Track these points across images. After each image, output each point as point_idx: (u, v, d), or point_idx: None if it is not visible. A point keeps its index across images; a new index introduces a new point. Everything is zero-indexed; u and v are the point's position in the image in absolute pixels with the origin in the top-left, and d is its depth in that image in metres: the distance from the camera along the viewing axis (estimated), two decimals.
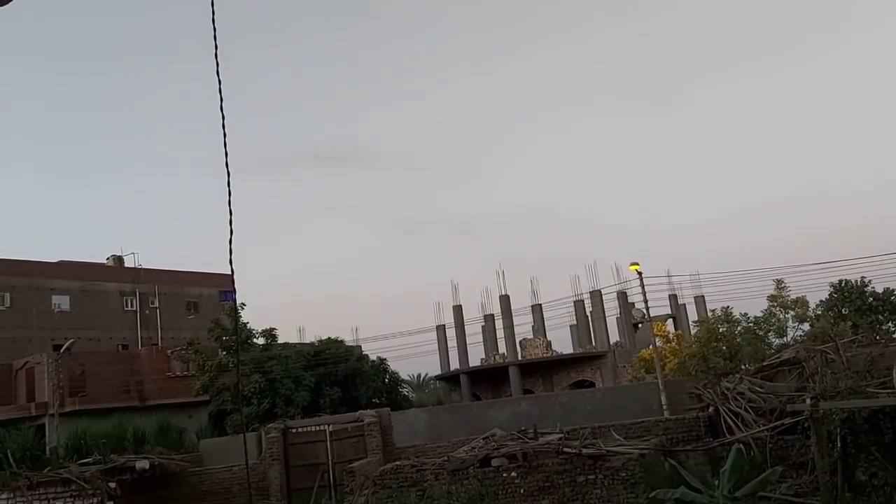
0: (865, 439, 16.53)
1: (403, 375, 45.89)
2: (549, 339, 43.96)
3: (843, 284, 31.34)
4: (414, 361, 57.02)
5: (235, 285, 6.99)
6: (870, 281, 30.62)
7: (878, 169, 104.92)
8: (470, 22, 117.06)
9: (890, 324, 29.68)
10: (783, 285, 30.57)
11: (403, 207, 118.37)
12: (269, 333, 38.08)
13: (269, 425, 27.92)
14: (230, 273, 6.45)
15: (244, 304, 37.83)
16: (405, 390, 46.44)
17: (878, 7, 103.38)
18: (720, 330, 28.69)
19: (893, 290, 30.56)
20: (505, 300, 43.48)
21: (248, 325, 37.64)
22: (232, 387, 34.27)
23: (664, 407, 26.72)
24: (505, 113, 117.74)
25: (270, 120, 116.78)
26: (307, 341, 41.86)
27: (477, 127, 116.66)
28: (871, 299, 30.34)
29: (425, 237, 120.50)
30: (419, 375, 68.43)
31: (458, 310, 45.05)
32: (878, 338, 24.45)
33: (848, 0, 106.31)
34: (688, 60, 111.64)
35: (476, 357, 45.47)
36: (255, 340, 37.73)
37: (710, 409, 21.56)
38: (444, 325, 45.41)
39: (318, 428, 27.50)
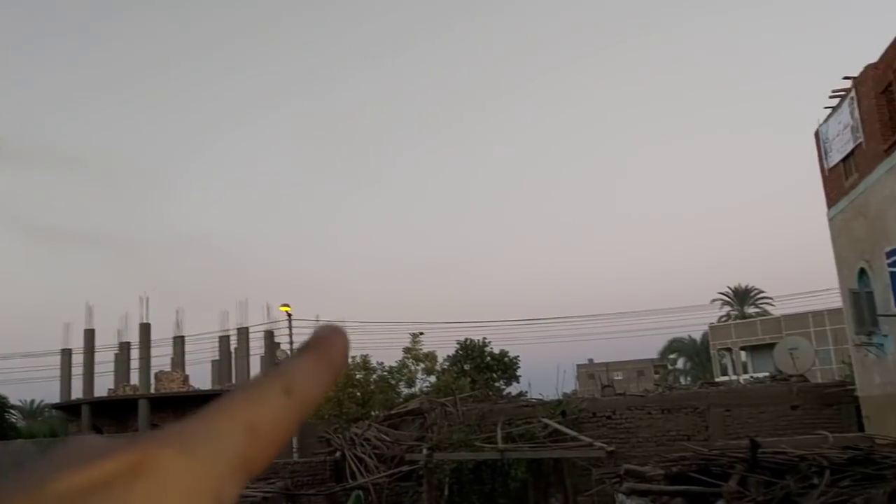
0: (469, 488, 18.33)
1: (14, 401, 41.02)
2: (187, 373, 42.29)
3: (467, 343, 34.66)
4: (30, 386, 51.28)
5: None
6: (490, 342, 34.24)
7: (504, 245, 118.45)
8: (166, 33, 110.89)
9: (501, 381, 33.36)
10: (418, 339, 32.92)
11: (43, 213, 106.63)
12: None
13: None
14: None
15: None
16: (13, 418, 41.47)
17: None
18: (357, 376, 29.95)
19: (507, 353, 34.47)
20: (145, 329, 41.12)
21: None
22: None
23: (294, 449, 27.11)
24: (175, 134, 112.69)
25: None
26: None
27: (145, 143, 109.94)
28: (489, 358, 33.89)
29: (64, 250, 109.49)
30: (33, 402, 61.52)
31: (89, 334, 41.55)
32: (490, 394, 27.34)
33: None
34: (363, 111, 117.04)
35: (104, 387, 42.14)
36: None
37: (338, 453, 22.32)
38: (70, 350, 41.54)
39: None
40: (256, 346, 42.89)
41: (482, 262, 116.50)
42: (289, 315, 30.34)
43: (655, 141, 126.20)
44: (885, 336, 16.85)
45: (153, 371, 40.88)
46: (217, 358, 44.24)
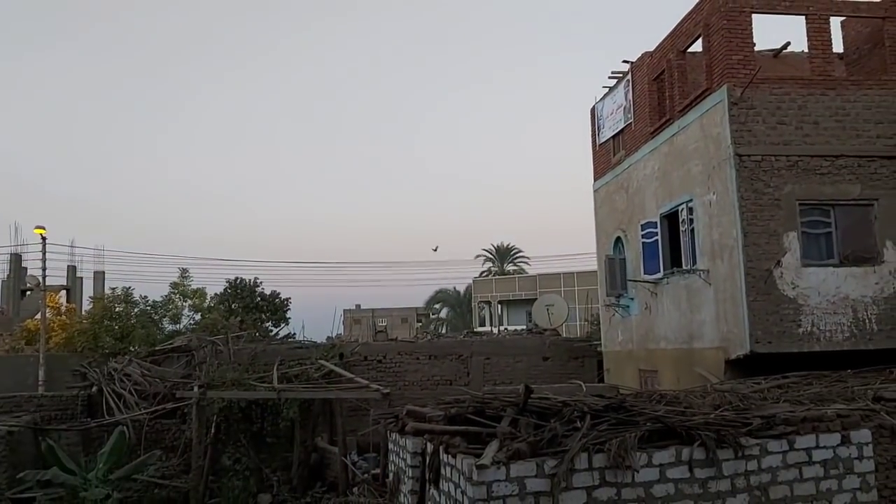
0: (237, 427, 18.15)
1: None
2: None
3: (237, 281, 33.80)
4: None
5: None
6: (261, 282, 33.65)
7: (276, 187, 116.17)
8: None
9: (270, 322, 32.94)
10: (187, 274, 31.65)
11: None
12: None
13: None
14: None
15: None
16: None
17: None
18: (116, 309, 28.31)
19: (278, 294, 34.06)
20: None
21: None
22: None
23: (41, 382, 25.27)
24: None
25: None
26: None
27: None
28: (259, 299, 33.32)
29: None
30: None
31: None
32: (258, 335, 27.01)
33: None
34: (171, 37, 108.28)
35: None
36: None
37: (94, 388, 21.12)
38: None
39: None
40: None
41: (254, 201, 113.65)
42: (43, 238, 27.83)
43: (440, 102, 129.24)
44: (632, 299, 18.83)
45: None
46: None
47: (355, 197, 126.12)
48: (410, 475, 9.98)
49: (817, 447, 8.66)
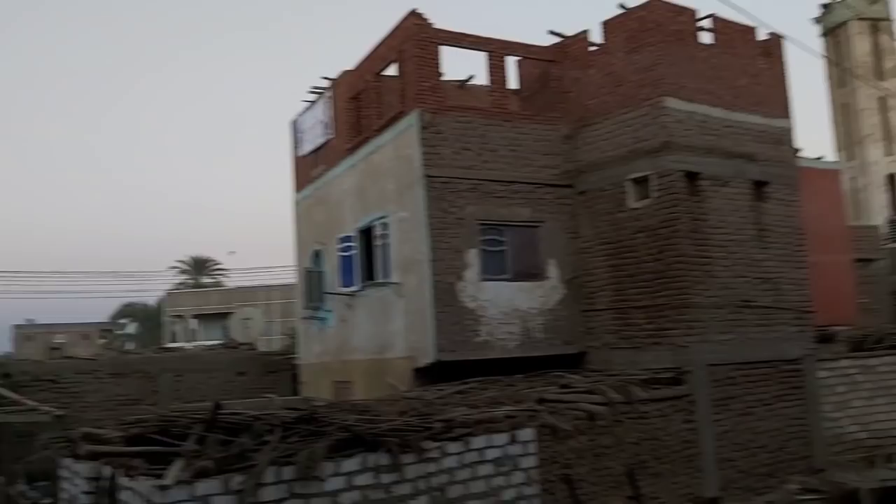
0: None
1: None
2: None
3: None
4: None
5: None
6: None
7: None
8: None
9: None
10: None
11: None
12: None
13: None
14: None
15: None
16: None
17: None
18: None
19: None
20: None
21: None
22: None
23: None
24: None
25: None
26: None
27: None
28: None
29: None
30: None
31: None
32: None
33: None
34: None
35: None
36: None
37: None
38: None
39: None
40: None
41: None
42: None
43: (129, 105, 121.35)
44: (329, 311, 19.13)
45: None
46: None
47: (27, 200, 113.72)
48: (85, 502, 9.27)
49: (490, 447, 9.45)
